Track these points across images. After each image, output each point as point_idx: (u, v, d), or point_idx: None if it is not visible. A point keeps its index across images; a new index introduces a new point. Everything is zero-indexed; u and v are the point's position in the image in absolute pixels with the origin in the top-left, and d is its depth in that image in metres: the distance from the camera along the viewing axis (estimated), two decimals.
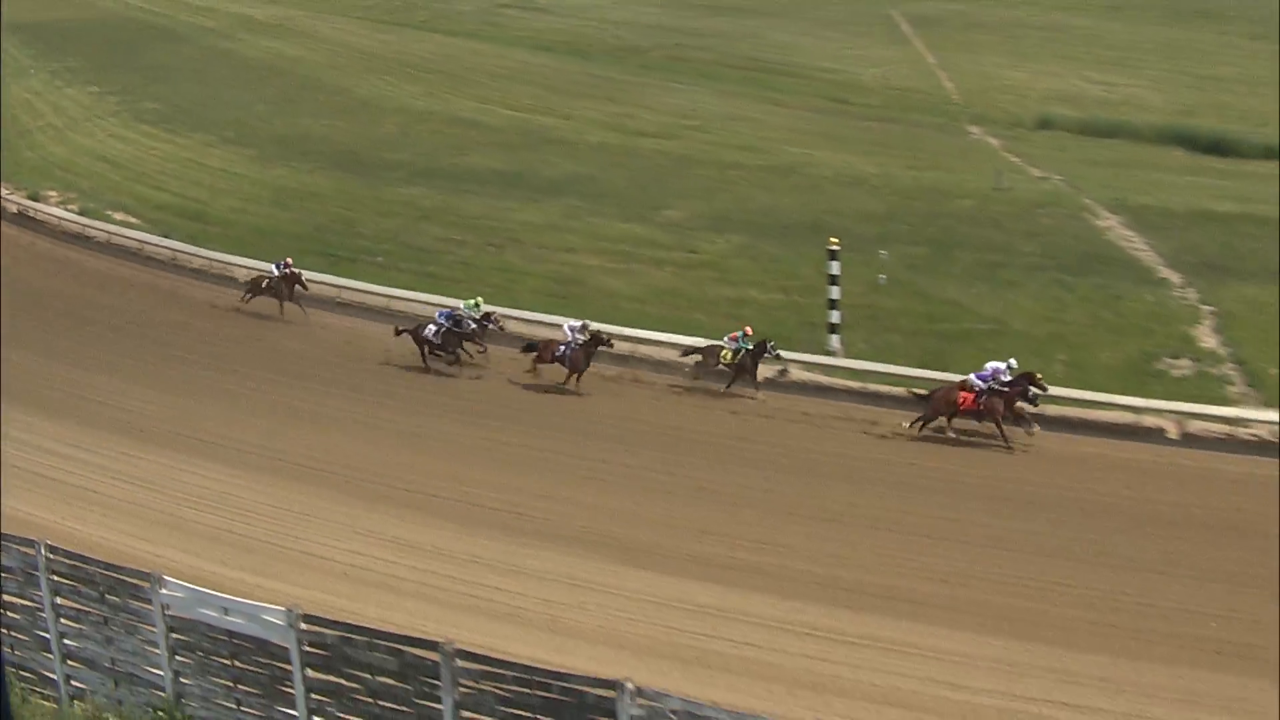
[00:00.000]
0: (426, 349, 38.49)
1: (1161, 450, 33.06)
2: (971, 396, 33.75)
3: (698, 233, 48.33)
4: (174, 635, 16.66)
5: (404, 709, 15.40)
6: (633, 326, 39.28)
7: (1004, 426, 33.47)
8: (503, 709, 15.02)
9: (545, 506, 29.97)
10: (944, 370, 35.82)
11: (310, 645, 15.72)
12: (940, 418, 34.10)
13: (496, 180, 54.85)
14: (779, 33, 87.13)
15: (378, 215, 51.21)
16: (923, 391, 34.43)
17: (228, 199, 54.20)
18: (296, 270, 42.64)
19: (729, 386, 36.53)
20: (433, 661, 15.07)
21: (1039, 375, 33.85)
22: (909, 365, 35.87)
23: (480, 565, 27.30)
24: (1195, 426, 33.44)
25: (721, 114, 68.29)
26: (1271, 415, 33.46)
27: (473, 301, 38.89)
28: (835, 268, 38.17)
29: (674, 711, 14.42)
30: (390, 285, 43.50)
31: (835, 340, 37.93)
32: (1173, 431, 33.62)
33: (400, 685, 15.34)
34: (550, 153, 59.76)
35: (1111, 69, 79.98)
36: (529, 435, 34.22)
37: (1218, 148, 64.60)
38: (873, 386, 36.22)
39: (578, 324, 37.23)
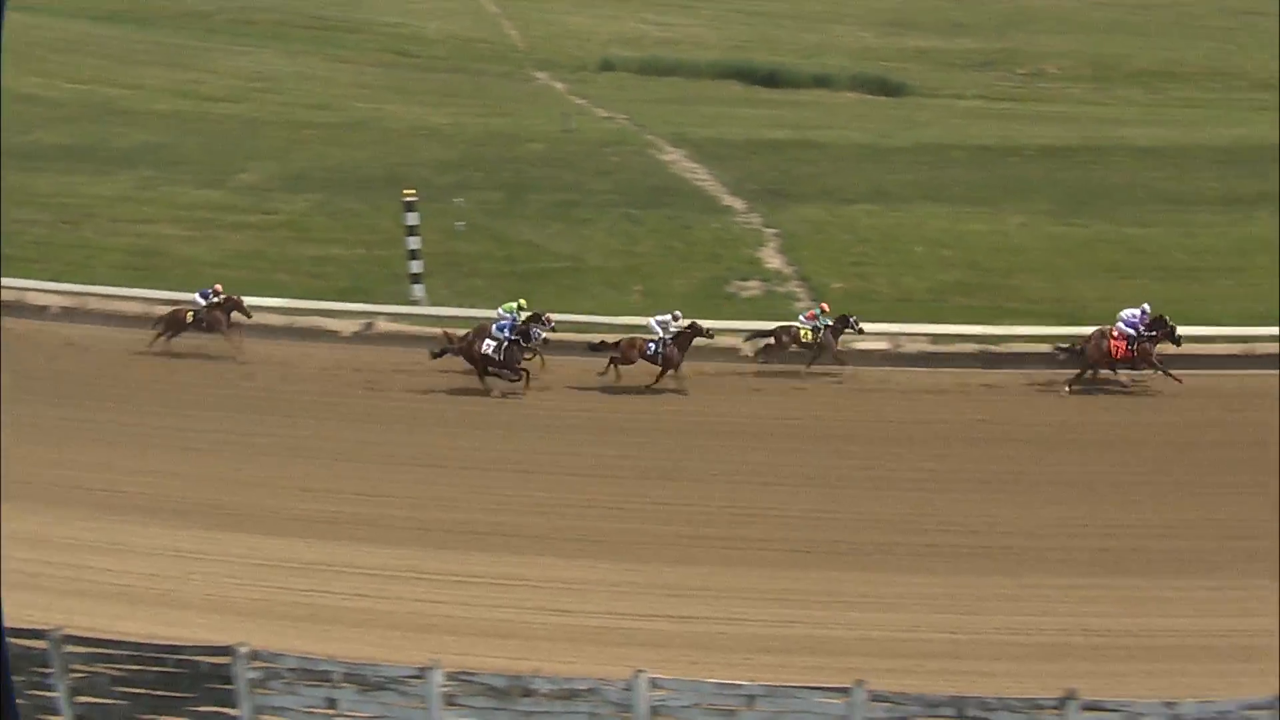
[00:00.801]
0: (485, 366, 34.08)
1: (750, 368, 34.69)
2: (1124, 345, 33.80)
3: (274, 194, 47.90)
4: None
5: (19, 701, 15.19)
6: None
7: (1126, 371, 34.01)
8: (119, 689, 14.99)
9: (142, 480, 29.38)
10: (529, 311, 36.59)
11: None
12: (1096, 368, 34.09)
13: (65, 155, 52.85)
14: None
15: None
16: (1069, 345, 34.26)
17: None
18: (234, 296, 36.83)
19: (810, 364, 34.72)
20: (41, 650, 14.91)
21: (1169, 319, 33.97)
22: (493, 308, 36.46)
23: (82, 547, 26.51)
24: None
25: (290, 74, 67.65)
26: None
27: (514, 305, 34.86)
28: (413, 218, 38.38)
29: (290, 670, 14.70)
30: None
31: (419, 290, 38.28)
32: (747, 349, 35.27)
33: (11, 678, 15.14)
34: (119, 124, 58.07)
35: (668, 10, 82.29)
36: (119, 410, 33.40)
37: (771, 79, 67.41)
38: (461, 332, 36.62)
39: (665, 317, 34.22)
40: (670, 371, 33.79)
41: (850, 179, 48.07)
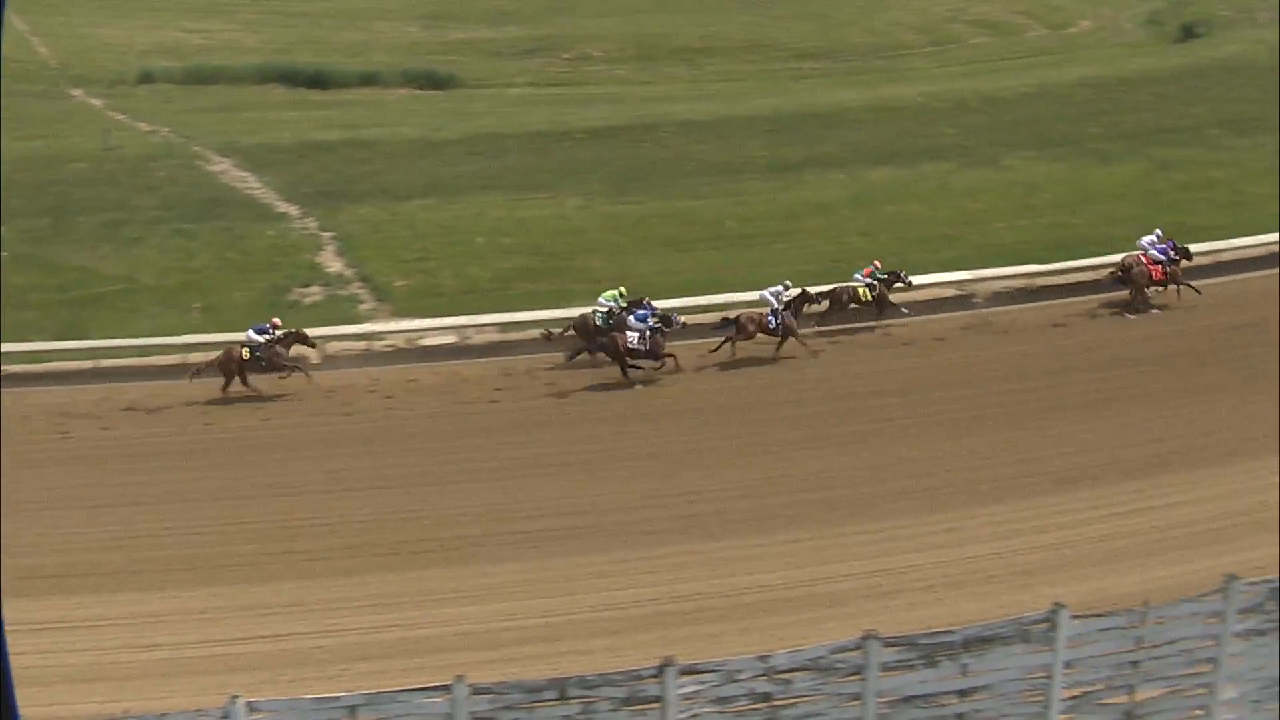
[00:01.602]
0: (626, 359, 33.23)
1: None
2: (1160, 268, 36.78)
3: None
4: None
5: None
6: None
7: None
8: None
9: None
10: (83, 339, 35.28)
11: None
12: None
13: None
14: None
15: None
16: (1115, 273, 36.94)
17: None
18: (297, 329, 34.08)
19: (878, 317, 36.11)
20: None
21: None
22: (46, 339, 34.85)
23: None
24: (335, 347, 34.63)
25: None
26: (405, 324, 35.29)
27: (614, 293, 34.65)
28: None
29: None
30: None
31: None
32: (314, 356, 34.57)
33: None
34: None
35: (205, 16, 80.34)
36: None
37: (318, 80, 66.55)
38: (11, 368, 34.90)
39: (778, 288, 34.50)
40: (790, 339, 34.46)
41: (406, 175, 47.85)
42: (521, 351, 34.65)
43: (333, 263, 39.68)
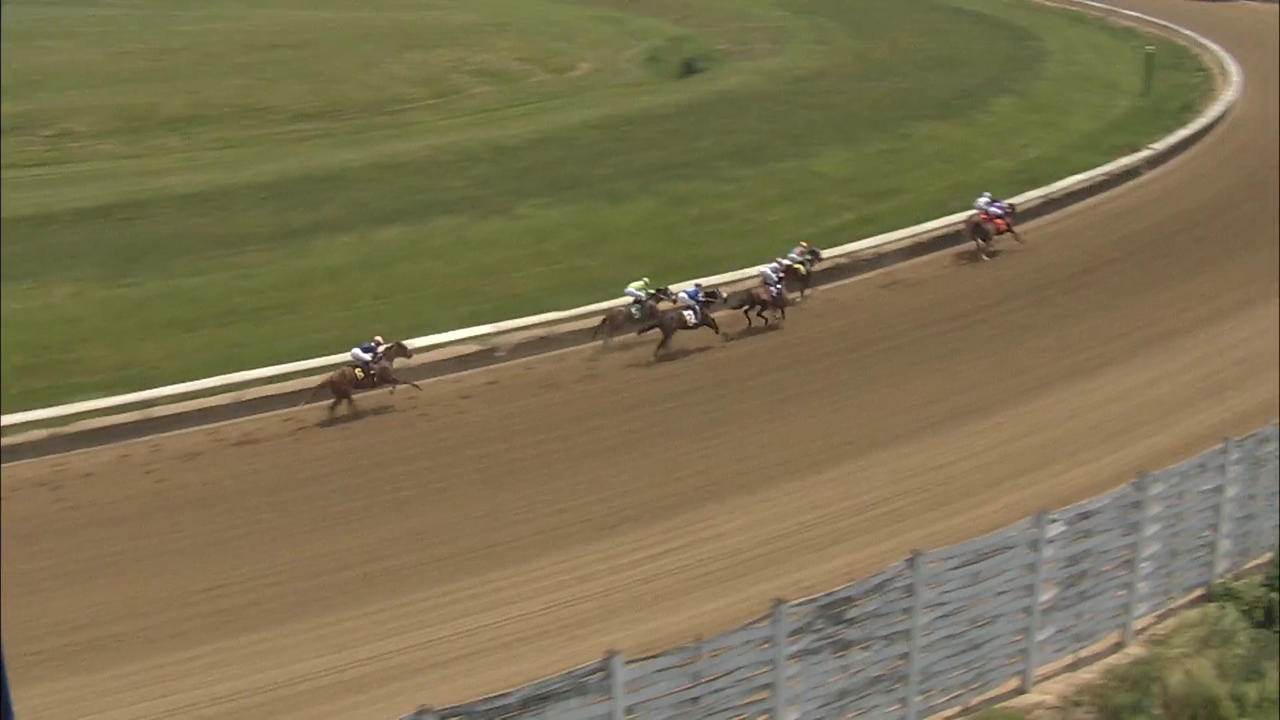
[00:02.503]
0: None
1: None
2: (1003, 220, 43.29)
3: None
4: None
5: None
6: None
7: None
8: None
9: None
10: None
11: None
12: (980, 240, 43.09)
13: None
14: None
15: None
16: (971, 221, 43.25)
17: None
18: (397, 341, 35.29)
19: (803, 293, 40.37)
20: None
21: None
22: None
23: None
24: None
25: None
26: None
27: (641, 283, 38.04)
28: None
29: None
30: None
31: None
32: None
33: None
34: None
35: None
36: None
37: None
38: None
39: (774, 264, 39.44)
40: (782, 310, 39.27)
41: None
42: (30, 455, 32.16)
43: None
